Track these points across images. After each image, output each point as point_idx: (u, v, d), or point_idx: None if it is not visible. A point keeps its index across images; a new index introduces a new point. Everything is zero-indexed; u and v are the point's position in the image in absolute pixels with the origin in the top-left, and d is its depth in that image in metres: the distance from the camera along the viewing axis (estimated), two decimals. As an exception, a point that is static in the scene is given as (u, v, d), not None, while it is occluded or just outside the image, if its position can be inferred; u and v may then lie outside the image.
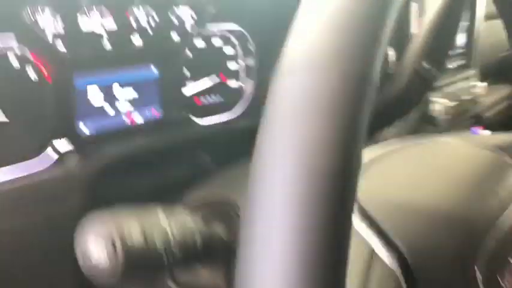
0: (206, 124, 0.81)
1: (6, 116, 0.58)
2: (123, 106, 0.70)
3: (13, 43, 0.58)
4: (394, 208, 0.43)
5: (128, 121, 0.71)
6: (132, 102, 0.71)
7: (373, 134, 0.54)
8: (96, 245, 0.46)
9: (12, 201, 0.57)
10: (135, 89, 0.71)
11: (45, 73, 0.61)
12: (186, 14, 0.75)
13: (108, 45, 0.67)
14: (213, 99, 0.84)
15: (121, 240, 0.46)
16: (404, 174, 0.50)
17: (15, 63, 0.59)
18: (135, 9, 0.69)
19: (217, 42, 0.83)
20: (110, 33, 0.67)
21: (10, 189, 0.57)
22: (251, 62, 0.87)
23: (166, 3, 0.73)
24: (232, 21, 0.83)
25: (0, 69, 0.58)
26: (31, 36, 0.59)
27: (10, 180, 0.58)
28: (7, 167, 0.59)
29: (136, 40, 0.69)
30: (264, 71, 0.87)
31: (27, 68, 0.60)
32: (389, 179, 0.49)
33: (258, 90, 0.88)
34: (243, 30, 0.84)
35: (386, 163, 0.50)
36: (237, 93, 0.88)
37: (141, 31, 0.70)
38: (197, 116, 0.81)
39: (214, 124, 0.82)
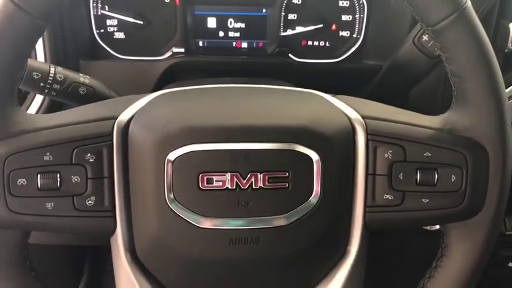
0: (301, 61, 1.01)
1: (144, 22, 0.95)
2: (234, 33, 0.97)
3: None
4: None
5: (234, 44, 0.98)
6: (242, 31, 0.98)
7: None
8: None
9: (136, 72, 0.94)
10: (246, 23, 0.97)
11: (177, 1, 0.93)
12: None
13: None
14: (318, 44, 1.02)
15: None
16: None
17: None
18: None
19: None
20: None
21: (136, 65, 0.96)
22: (362, 15, 1.00)
23: None
24: None
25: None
26: None
27: (139, 60, 0.97)
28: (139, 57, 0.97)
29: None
30: (373, 24, 1.00)
31: None
32: None
33: (364, 41, 1.02)
34: None
35: None
36: (344, 42, 1.02)
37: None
38: (297, 55, 1.01)
39: (310, 63, 1.02)
